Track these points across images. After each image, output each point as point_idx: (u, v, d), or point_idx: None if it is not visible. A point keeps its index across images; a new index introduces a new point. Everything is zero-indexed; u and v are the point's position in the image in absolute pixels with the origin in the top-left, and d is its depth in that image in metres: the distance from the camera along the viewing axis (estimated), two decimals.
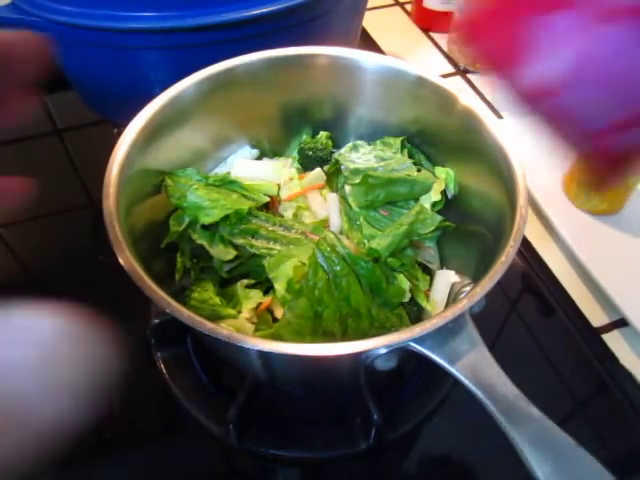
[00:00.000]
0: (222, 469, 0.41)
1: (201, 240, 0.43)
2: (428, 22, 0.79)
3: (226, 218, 0.42)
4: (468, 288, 0.39)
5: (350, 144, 0.50)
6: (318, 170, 0.50)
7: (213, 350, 0.42)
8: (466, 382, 0.28)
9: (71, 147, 0.65)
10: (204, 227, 0.43)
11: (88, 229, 0.57)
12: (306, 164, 0.51)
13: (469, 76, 0.71)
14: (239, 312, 0.40)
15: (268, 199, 0.47)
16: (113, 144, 0.37)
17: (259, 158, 0.51)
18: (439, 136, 0.47)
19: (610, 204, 0.53)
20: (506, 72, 0.20)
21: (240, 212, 0.42)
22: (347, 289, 0.39)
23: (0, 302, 0.16)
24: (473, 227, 0.43)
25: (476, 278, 0.37)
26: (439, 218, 0.45)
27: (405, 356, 0.30)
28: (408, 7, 0.83)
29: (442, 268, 0.45)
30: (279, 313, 0.40)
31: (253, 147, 0.51)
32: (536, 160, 0.56)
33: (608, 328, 0.47)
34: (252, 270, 0.43)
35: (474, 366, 0.29)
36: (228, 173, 0.48)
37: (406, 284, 0.42)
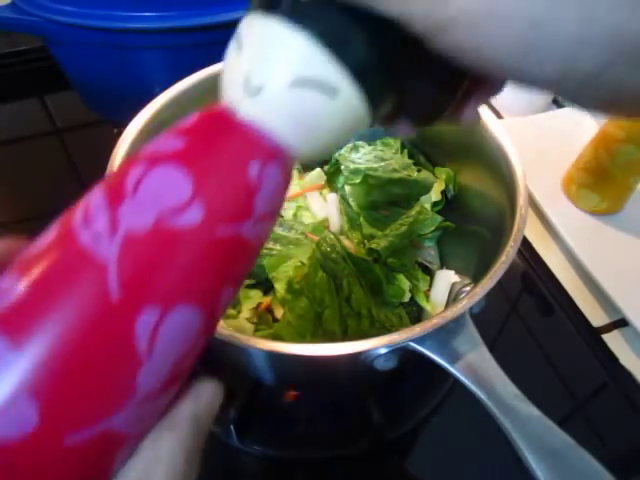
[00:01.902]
0: (222, 469, 0.41)
1: None
2: None
3: None
4: (468, 288, 0.39)
5: (350, 144, 0.50)
6: (318, 170, 0.50)
7: (213, 350, 0.42)
8: (466, 382, 0.28)
9: (71, 147, 0.64)
10: None
11: None
12: (306, 164, 0.51)
13: None
14: (239, 312, 0.40)
15: None
16: (113, 144, 0.37)
17: None
18: (439, 136, 0.47)
19: (610, 204, 0.53)
20: None
21: None
22: (347, 289, 0.39)
23: None
24: (473, 227, 0.43)
25: (476, 278, 0.37)
26: (439, 218, 0.45)
27: (405, 356, 0.30)
28: None
29: (442, 268, 0.45)
30: (279, 313, 0.40)
31: None
32: (536, 160, 0.56)
33: (608, 328, 0.47)
34: (252, 270, 0.43)
35: (474, 366, 0.29)
36: None
37: (406, 284, 0.42)
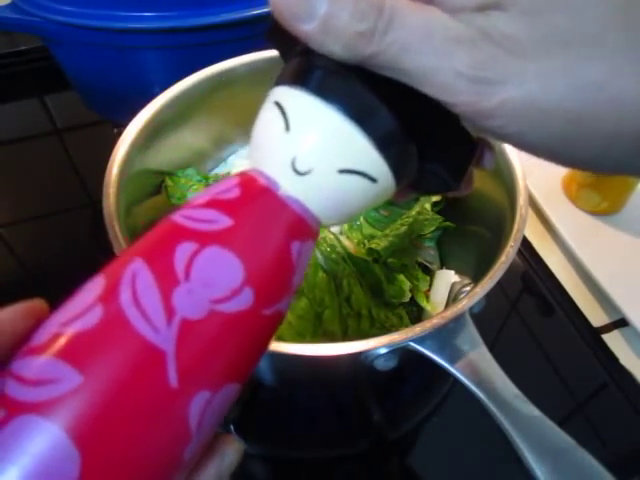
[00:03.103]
0: None
1: None
2: None
3: None
4: (468, 288, 0.39)
5: None
6: None
7: None
8: (466, 382, 0.28)
9: (71, 147, 0.64)
10: None
11: (88, 229, 0.57)
12: None
13: None
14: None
15: None
16: (113, 144, 0.37)
17: None
18: None
19: (610, 204, 0.53)
20: None
21: None
22: (347, 289, 0.39)
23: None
24: (473, 227, 0.43)
25: (476, 278, 0.37)
26: (439, 218, 0.45)
27: (405, 356, 0.30)
28: None
29: (442, 268, 0.45)
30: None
31: None
32: (536, 160, 0.56)
33: (608, 328, 0.47)
34: None
35: (474, 366, 0.29)
36: (228, 173, 0.48)
37: (406, 284, 0.42)
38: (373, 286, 0.41)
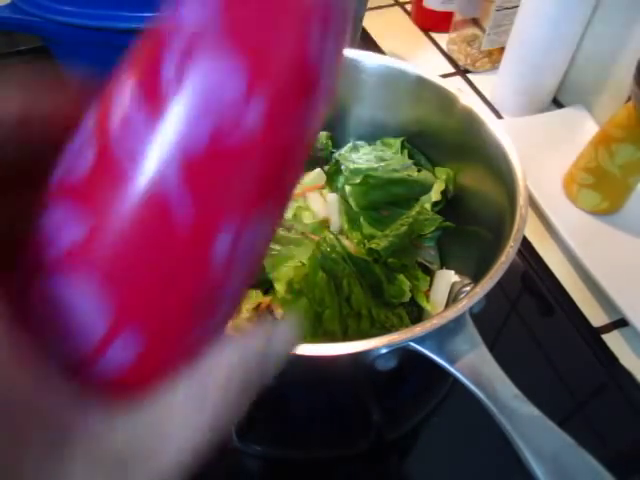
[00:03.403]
0: (222, 469, 0.41)
1: None
2: (428, 22, 0.79)
3: None
4: (468, 288, 0.39)
5: (350, 144, 0.50)
6: (318, 170, 0.50)
7: None
8: (466, 382, 0.28)
9: None
10: None
11: None
12: (306, 164, 0.51)
13: (469, 76, 0.71)
14: (239, 312, 0.40)
15: None
16: None
17: None
18: (439, 136, 0.47)
19: (610, 204, 0.53)
20: None
21: None
22: (347, 289, 0.39)
23: None
24: (473, 227, 0.43)
25: (476, 278, 0.37)
26: (439, 218, 0.45)
27: (405, 356, 0.30)
28: (408, 7, 0.83)
29: (442, 268, 0.45)
30: (279, 313, 0.40)
31: None
32: (536, 160, 0.56)
33: (608, 328, 0.47)
34: None
35: (474, 366, 0.29)
36: None
37: (406, 284, 0.42)
38: (373, 286, 0.41)
